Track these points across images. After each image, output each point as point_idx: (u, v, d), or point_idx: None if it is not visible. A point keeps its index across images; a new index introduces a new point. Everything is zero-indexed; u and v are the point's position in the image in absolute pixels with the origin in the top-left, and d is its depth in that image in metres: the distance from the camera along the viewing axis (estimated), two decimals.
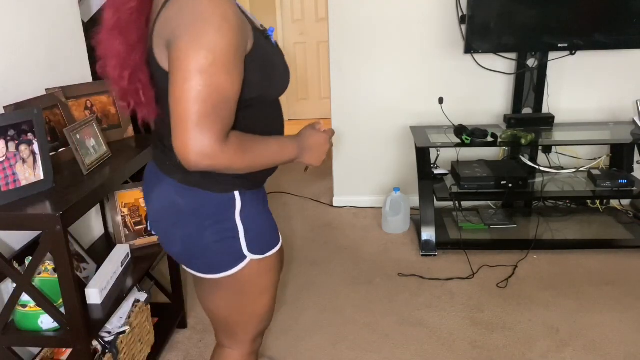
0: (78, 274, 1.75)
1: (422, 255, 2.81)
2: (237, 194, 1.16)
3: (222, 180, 1.13)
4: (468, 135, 2.78)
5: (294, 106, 5.55)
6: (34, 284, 1.46)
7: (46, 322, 1.50)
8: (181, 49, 0.95)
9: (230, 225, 1.16)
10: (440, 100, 3.04)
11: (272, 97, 1.16)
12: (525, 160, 3.04)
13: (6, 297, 1.55)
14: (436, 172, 2.98)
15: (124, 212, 1.95)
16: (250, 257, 1.18)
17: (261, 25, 1.17)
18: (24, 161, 1.45)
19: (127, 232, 1.97)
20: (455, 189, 2.83)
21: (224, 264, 1.19)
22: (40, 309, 1.47)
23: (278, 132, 1.20)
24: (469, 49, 2.86)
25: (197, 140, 0.95)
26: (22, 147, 1.45)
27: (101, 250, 2.06)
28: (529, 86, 3.03)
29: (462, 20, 2.97)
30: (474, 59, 3.06)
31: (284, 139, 1.15)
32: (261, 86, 1.09)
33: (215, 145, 0.97)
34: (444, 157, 3.07)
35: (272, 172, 1.25)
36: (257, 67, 1.06)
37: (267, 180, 1.27)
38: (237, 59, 0.99)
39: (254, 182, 1.19)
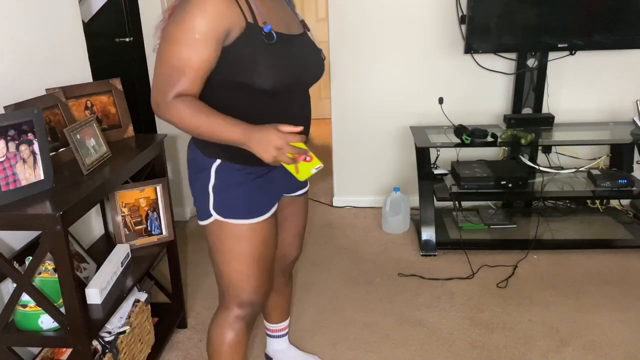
0: (78, 274, 1.75)
1: (422, 255, 2.81)
2: (217, 161, 1.39)
3: (208, 146, 1.38)
4: (468, 135, 2.78)
5: None
6: (34, 284, 1.46)
7: (46, 322, 1.50)
8: (167, 25, 1.28)
9: (206, 182, 1.41)
10: (440, 100, 3.04)
11: (258, 87, 1.29)
12: (525, 160, 3.05)
13: (6, 297, 1.55)
14: (436, 172, 2.99)
15: (124, 212, 1.95)
16: (215, 216, 1.42)
17: (303, 21, 1.46)
18: (24, 161, 1.45)
19: (127, 232, 1.97)
20: (455, 189, 2.83)
21: (201, 214, 1.46)
22: (40, 308, 1.47)
23: (274, 121, 1.30)
24: (469, 49, 2.86)
25: (153, 93, 1.27)
26: (22, 147, 1.45)
27: (101, 250, 2.06)
28: (528, 86, 3.03)
29: (462, 20, 2.97)
30: (474, 59, 3.07)
31: (234, 121, 1.26)
32: (243, 75, 1.28)
33: (161, 102, 1.25)
34: (444, 157, 3.07)
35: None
36: (237, 57, 1.26)
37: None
38: (209, 40, 1.22)
39: (232, 155, 1.37)
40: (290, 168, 1.30)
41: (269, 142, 1.23)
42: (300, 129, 1.25)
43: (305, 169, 1.28)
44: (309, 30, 1.50)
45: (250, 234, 1.44)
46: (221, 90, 1.32)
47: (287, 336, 1.99)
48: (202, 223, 1.48)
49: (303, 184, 1.64)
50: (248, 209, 1.42)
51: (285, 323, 1.96)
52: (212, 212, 1.42)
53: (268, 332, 1.97)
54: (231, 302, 1.52)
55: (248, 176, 1.41)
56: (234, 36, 1.25)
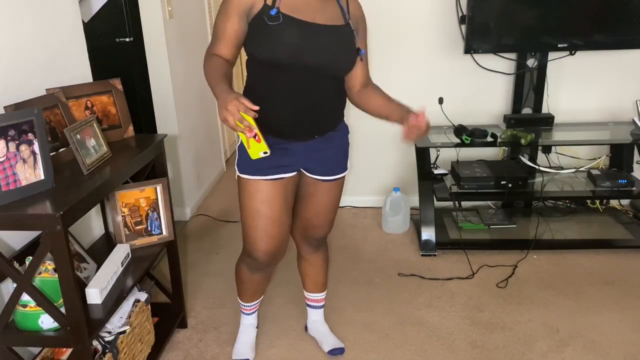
0: (78, 274, 1.75)
1: (422, 255, 2.81)
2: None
3: None
4: (468, 135, 2.78)
5: None
6: (34, 283, 1.46)
7: (46, 322, 1.50)
8: None
9: (238, 142, 1.71)
10: (440, 100, 3.04)
11: (258, 57, 1.56)
12: (525, 160, 3.05)
13: (6, 297, 1.55)
14: (436, 172, 2.99)
15: (124, 212, 1.95)
16: (236, 170, 1.73)
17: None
18: (24, 161, 1.45)
19: (127, 232, 1.97)
20: (455, 189, 2.83)
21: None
22: (40, 308, 1.48)
23: (274, 94, 1.59)
24: (469, 49, 2.86)
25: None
26: (23, 147, 1.45)
27: (101, 250, 2.06)
28: (528, 86, 3.03)
29: (462, 20, 2.97)
30: (474, 59, 3.07)
31: (219, 82, 1.45)
32: (249, 46, 1.58)
33: (206, 54, 1.59)
34: (444, 157, 3.07)
35: (281, 126, 1.62)
36: (250, 31, 1.55)
37: (284, 132, 1.65)
38: (234, 13, 1.53)
39: (258, 123, 1.47)
40: (243, 140, 1.46)
41: (224, 103, 1.35)
42: (255, 108, 1.33)
43: (255, 149, 1.41)
44: (352, 28, 1.68)
45: (251, 188, 1.69)
46: (249, 59, 1.62)
47: (321, 310, 2.17)
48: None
49: (328, 172, 1.78)
50: (254, 169, 1.66)
51: (320, 296, 2.13)
52: (235, 167, 1.73)
53: (306, 300, 2.17)
54: (245, 242, 1.81)
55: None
56: (254, 13, 1.53)
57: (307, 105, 1.61)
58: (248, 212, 1.73)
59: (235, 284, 2.03)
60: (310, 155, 1.72)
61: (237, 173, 1.73)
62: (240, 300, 2.06)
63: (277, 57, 1.53)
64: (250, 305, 2.07)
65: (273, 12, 1.51)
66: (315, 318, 2.18)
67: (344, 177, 1.84)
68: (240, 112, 1.32)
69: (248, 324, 2.12)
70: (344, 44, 1.64)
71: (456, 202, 3.11)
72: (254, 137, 1.38)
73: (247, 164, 1.68)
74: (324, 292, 2.14)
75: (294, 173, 1.73)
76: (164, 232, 2.04)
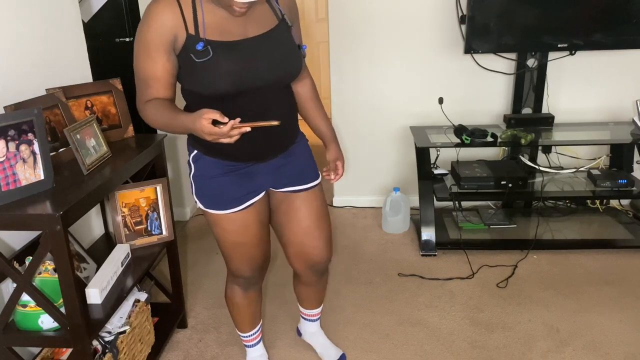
0: (78, 274, 1.75)
1: (422, 255, 2.81)
2: (194, 152, 1.56)
3: (189, 137, 1.56)
4: (468, 135, 2.78)
5: None
6: (34, 284, 1.46)
7: (46, 322, 1.50)
8: None
9: (189, 171, 1.60)
10: (440, 100, 3.04)
11: (197, 92, 1.41)
12: (525, 160, 3.05)
13: (6, 297, 1.55)
14: (436, 172, 2.99)
15: (124, 212, 1.95)
16: (198, 203, 1.59)
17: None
18: (24, 161, 1.45)
19: (127, 232, 1.97)
20: (455, 189, 2.83)
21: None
22: (40, 308, 1.48)
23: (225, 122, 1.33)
24: (469, 49, 2.86)
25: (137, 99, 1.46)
26: (23, 147, 1.45)
27: (101, 250, 2.06)
28: (528, 86, 3.03)
29: (462, 20, 2.97)
30: (474, 59, 3.07)
31: (180, 117, 1.34)
32: (187, 81, 1.43)
33: (139, 105, 1.45)
34: (444, 157, 3.07)
35: (237, 149, 1.47)
36: (181, 66, 1.40)
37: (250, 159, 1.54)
38: (158, 52, 1.36)
39: (206, 148, 1.52)
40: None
41: (199, 132, 1.27)
42: (225, 119, 1.24)
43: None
44: (290, 23, 1.49)
45: (224, 223, 1.59)
46: (185, 93, 1.49)
47: (318, 321, 2.08)
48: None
49: (298, 180, 1.64)
50: (218, 201, 1.56)
51: (316, 311, 2.03)
52: (195, 198, 1.60)
53: (300, 314, 2.07)
54: (228, 267, 1.74)
55: (221, 169, 1.54)
56: (179, 45, 1.38)
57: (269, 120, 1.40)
58: (225, 243, 1.63)
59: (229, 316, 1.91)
60: (275, 171, 1.60)
61: (202, 207, 1.59)
62: (240, 333, 1.93)
63: (220, 90, 1.37)
64: (254, 334, 1.94)
65: (199, 46, 1.34)
66: (313, 330, 2.09)
67: (320, 186, 1.70)
68: (228, 131, 1.23)
69: (257, 356, 1.99)
70: (285, 47, 1.46)
71: (456, 202, 3.11)
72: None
73: (212, 197, 1.55)
74: (321, 306, 2.04)
75: (263, 193, 1.62)
76: (164, 232, 2.04)
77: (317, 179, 1.69)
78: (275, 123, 1.28)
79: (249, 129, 1.26)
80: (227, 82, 1.37)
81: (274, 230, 1.77)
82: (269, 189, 1.64)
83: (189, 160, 1.59)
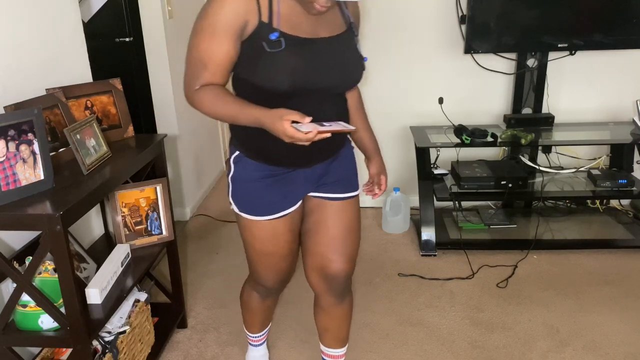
0: (78, 274, 1.75)
1: (422, 255, 2.81)
2: (236, 152, 1.48)
3: (233, 136, 1.49)
4: (468, 135, 2.78)
5: None
6: (34, 284, 1.46)
7: (46, 322, 1.50)
8: (196, 19, 1.33)
9: (229, 171, 1.52)
10: (440, 100, 3.04)
11: (256, 84, 1.32)
12: (525, 160, 3.05)
13: (6, 297, 1.55)
14: (436, 172, 2.99)
15: (124, 212, 1.95)
16: (232, 204, 1.52)
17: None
18: (24, 161, 1.45)
19: (127, 232, 1.97)
20: (455, 189, 2.83)
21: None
22: (40, 308, 1.47)
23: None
24: (469, 49, 2.86)
25: (183, 84, 1.38)
26: (22, 147, 1.45)
27: (101, 250, 2.06)
28: (528, 86, 3.03)
29: (462, 20, 2.97)
30: (474, 59, 3.07)
31: (249, 109, 1.30)
32: (246, 71, 1.34)
33: (188, 93, 1.36)
34: (444, 157, 3.07)
35: (284, 153, 1.41)
36: (245, 54, 1.32)
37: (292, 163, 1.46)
38: (226, 35, 1.28)
39: (249, 150, 1.45)
40: None
41: (278, 134, 1.23)
42: (309, 118, 1.21)
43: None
44: (356, 32, 1.46)
45: (256, 230, 1.51)
46: (239, 83, 1.39)
47: None
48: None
49: (336, 188, 1.55)
50: (254, 207, 1.48)
51: (340, 352, 1.78)
52: (230, 200, 1.52)
53: (322, 355, 1.82)
54: (251, 272, 1.67)
55: (262, 173, 1.46)
56: (248, 32, 1.30)
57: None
58: (253, 249, 1.56)
59: (241, 314, 1.88)
60: (316, 179, 1.51)
61: (236, 210, 1.51)
62: (248, 333, 1.91)
63: (280, 85, 1.30)
64: (261, 335, 1.92)
65: (274, 36, 1.28)
66: None
67: (357, 198, 1.60)
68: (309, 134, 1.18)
69: (259, 355, 1.99)
70: (351, 55, 1.42)
71: (456, 202, 3.11)
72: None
73: (247, 201, 1.48)
74: (345, 347, 1.78)
75: (300, 203, 1.53)
76: (164, 232, 2.04)
77: (356, 190, 1.60)
78: (352, 128, 1.24)
79: (329, 134, 1.21)
80: (290, 78, 1.30)
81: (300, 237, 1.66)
82: (307, 193, 1.55)
83: (229, 160, 1.50)
